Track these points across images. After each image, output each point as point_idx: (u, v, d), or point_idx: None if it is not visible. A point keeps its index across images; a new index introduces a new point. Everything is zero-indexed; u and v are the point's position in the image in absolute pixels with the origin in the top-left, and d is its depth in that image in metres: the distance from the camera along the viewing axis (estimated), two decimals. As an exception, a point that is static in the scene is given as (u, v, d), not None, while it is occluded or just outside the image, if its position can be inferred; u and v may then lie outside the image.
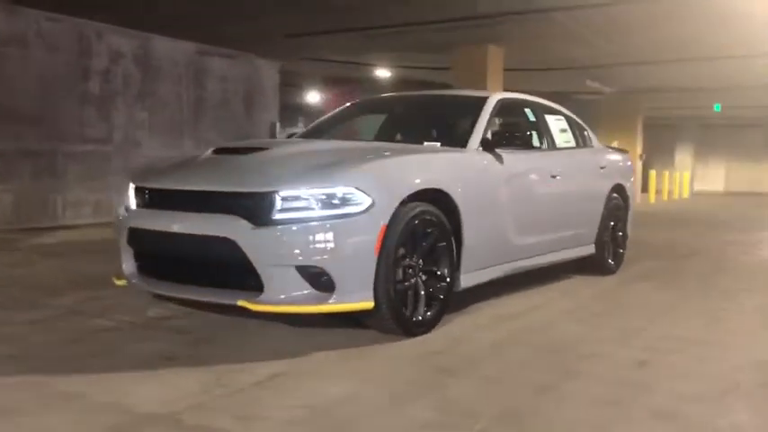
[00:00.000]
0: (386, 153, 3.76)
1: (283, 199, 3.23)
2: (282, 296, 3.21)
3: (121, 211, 3.91)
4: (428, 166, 3.82)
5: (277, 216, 3.22)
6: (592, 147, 5.77)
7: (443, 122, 4.71)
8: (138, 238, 3.66)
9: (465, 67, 10.42)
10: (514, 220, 4.34)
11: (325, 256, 3.20)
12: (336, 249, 3.21)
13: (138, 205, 3.76)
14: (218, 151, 3.94)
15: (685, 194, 21.52)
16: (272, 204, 3.23)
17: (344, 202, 3.24)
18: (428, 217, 3.58)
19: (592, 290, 5.06)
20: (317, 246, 3.19)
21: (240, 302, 3.22)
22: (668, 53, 11.71)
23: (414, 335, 3.51)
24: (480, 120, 4.35)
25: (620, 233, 5.93)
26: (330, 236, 3.20)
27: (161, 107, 10.42)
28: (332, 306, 3.23)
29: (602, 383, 2.88)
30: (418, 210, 3.50)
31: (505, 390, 2.78)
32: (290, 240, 3.20)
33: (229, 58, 11.51)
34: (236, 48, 11.45)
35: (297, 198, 3.23)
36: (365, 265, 3.26)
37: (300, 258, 3.19)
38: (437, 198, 3.67)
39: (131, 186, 3.84)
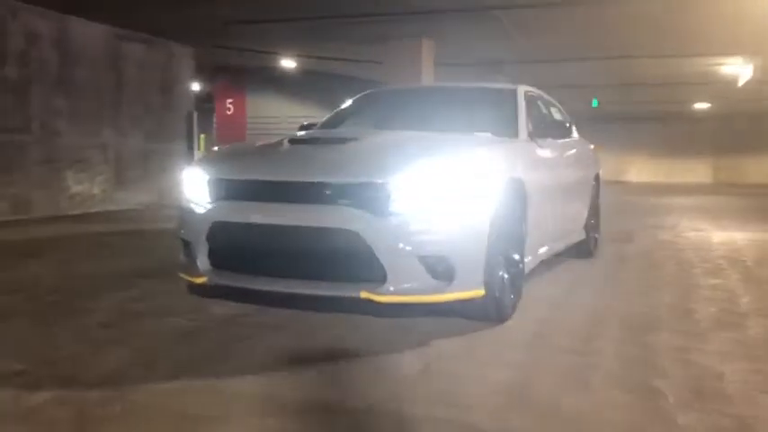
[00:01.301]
0: (475, 141, 3.83)
1: (403, 188, 3.23)
2: (405, 286, 3.21)
3: (190, 204, 3.69)
4: (512, 154, 3.94)
5: (398, 205, 3.21)
6: (577, 138, 6.12)
7: (473, 113, 4.80)
8: (224, 233, 3.48)
9: (398, 60, 10.55)
10: (551, 206, 4.56)
11: (445, 245, 3.24)
12: (455, 237, 3.26)
13: (219, 198, 3.56)
14: (300, 141, 3.83)
15: (562, 184, 23.07)
16: (392, 193, 3.22)
17: (460, 189, 3.29)
18: (513, 204, 3.70)
19: (594, 272, 5.39)
20: (438, 234, 3.23)
21: (364, 294, 3.18)
22: (567, 53, 12.52)
23: (504, 320, 3.61)
24: (520, 110, 4.52)
25: (593, 220, 6.34)
26: (449, 224, 3.25)
27: (80, 94, 9.70)
28: (450, 295, 3.28)
29: (740, 344, 3.20)
30: (507, 197, 3.62)
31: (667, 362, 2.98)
32: (413, 229, 3.20)
33: (147, 43, 10.93)
34: (154, 33, 10.89)
35: (416, 186, 3.24)
36: (478, 252, 3.33)
37: (423, 247, 3.20)
38: (514, 186, 3.80)
39: (204, 178, 3.64)
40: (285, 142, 3.84)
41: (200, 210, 3.61)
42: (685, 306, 4.18)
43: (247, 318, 3.64)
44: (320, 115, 15.25)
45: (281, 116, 17.46)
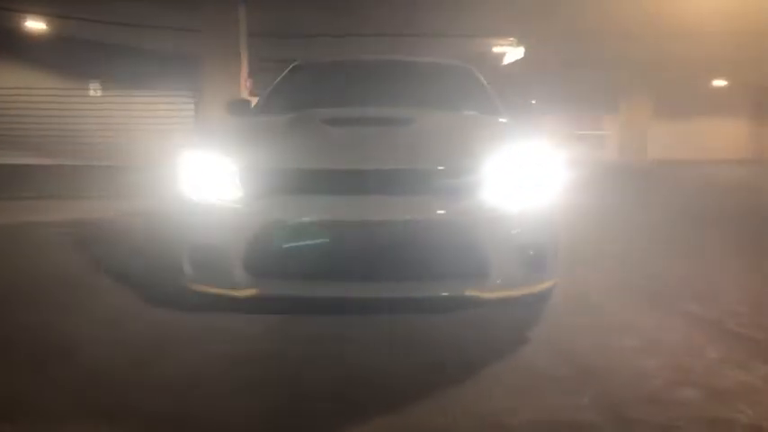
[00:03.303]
0: (518, 123, 3.63)
1: (497, 173, 2.97)
2: (508, 279, 2.96)
3: (209, 201, 2.97)
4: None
5: (493, 191, 2.94)
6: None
7: (435, 90, 4.53)
8: (280, 234, 2.85)
9: (216, 27, 9.63)
10: None
11: (539, 231, 3.06)
12: (545, 223, 3.10)
13: (264, 192, 2.89)
14: (339, 123, 3.28)
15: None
16: (486, 179, 2.94)
17: (543, 172, 3.11)
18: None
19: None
20: (536, 222, 3.05)
21: (470, 292, 2.87)
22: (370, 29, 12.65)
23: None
24: (487, 88, 4.42)
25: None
26: (539, 209, 3.07)
27: None
28: (543, 284, 3.10)
29: None
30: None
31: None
32: (511, 217, 2.96)
33: None
34: None
35: (510, 171, 3.00)
36: (557, 237, 3.20)
37: (521, 236, 2.98)
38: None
39: (230, 168, 2.95)
40: (318, 123, 3.27)
41: (233, 208, 2.92)
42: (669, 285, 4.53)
43: (300, 330, 3.09)
44: (71, 87, 13.25)
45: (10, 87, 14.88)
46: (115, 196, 9.00)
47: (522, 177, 3.04)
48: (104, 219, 6.98)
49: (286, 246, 2.89)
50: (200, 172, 3.06)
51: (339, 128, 3.27)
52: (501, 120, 3.84)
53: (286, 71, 4.70)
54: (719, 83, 22.20)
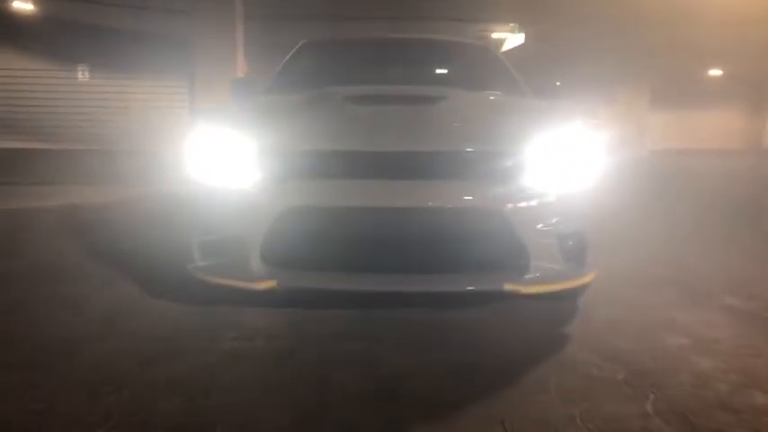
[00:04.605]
0: (552, 104, 3.39)
1: (539, 157, 2.72)
2: (548, 273, 2.71)
3: (225, 185, 2.71)
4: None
5: (534, 176, 2.70)
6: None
7: (455, 69, 4.29)
8: (305, 221, 2.60)
9: (210, 9, 9.29)
10: None
11: (581, 221, 2.82)
12: (586, 211, 2.86)
13: (288, 175, 2.63)
14: (364, 101, 3.01)
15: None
16: (528, 163, 2.70)
17: (584, 159, 2.87)
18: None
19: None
20: (576, 211, 2.81)
21: (509, 287, 2.61)
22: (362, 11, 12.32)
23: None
24: (511, 69, 4.17)
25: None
26: (582, 198, 2.84)
27: None
28: (586, 278, 2.85)
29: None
30: None
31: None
32: (553, 205, 2.72)
33: None
34: None
35: (551, 156, 2.76)
36: (592, 226, 2.96)
37: (562, 226, 2.74)
38: None
39: (251, 148, 2.68)
40: (342, 101, 3.00)
41: (252, 192, 2.66)
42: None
43: (322, 325, 2.84)
44: (58, 70, 12.78)
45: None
46: (115, 181, 8.80)
47: (563, 162, 2.80)
48: (111, 203, 6.74)
49: (309, 234, 2.64)
50: (214, 152, 2.78)
51: (366, 106, 2.99)
52: (534, 101, 3.60)
53: (295, 49, 4.41)
54: (717, 72, 22.07)
